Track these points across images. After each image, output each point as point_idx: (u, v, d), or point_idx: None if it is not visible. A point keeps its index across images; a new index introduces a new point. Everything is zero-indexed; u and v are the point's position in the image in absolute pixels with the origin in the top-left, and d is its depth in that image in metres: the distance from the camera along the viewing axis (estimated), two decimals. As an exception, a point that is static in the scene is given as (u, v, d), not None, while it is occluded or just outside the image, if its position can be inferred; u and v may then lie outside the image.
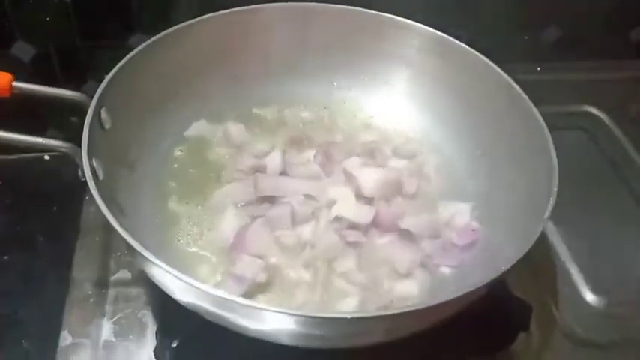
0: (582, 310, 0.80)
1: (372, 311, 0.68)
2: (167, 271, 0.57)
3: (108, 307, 0.76)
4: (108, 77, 0.74)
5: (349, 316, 0.57)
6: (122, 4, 0.96)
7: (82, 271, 0.80)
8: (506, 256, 0.65)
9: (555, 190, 0.67)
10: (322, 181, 0.82)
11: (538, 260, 0.83)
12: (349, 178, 0.81)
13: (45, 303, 0.77)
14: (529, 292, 0.76)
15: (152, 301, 0.76)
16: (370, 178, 0.80)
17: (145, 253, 0.58)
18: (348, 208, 0.78)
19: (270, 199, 0.79)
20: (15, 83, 0.71)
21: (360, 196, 0.79)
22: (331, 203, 0.79)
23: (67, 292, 0.78)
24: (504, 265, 0.61)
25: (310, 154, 0.85)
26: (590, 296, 0.82)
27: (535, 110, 0.76)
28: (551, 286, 0.82)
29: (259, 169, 0.82)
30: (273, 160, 0.82)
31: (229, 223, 0.77)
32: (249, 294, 0.70)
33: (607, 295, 0.82)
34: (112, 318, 0.75)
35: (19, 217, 0.87)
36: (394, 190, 0.81)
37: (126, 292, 0.78)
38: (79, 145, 0.67)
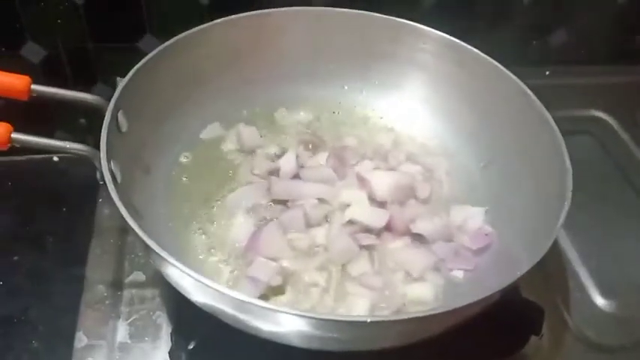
0: (593, 313, 0.81)
1: (389, 315, 0.69)
2: (185, 272, 0.57)
3: (123, 309, 0.76)
4: (125, 80, 0.74)
5: (368, 320, 0.57)
6: (132, 6, 0.96)
7: (96, 273, 0.80)
8: (519, 260, 0.66)
9: (570, 195, 0.67)
10: (335, 184, 0.82)
11: (549, 264, 0.84)
12: (362, 181, 0.82)
13: (55, 304, 0.77)
14: (541, 296, 0.76)
15: (167, 303, 0.77)
16: (383, 181, 0.80)
17: (164, 254, 0.58)
18: (362, 211, 0.78)
19: (284, 202, 0.80)
20: (34, 86, 0.71)
21: (372, 200, 0.80)
22: (344, 206, 0.79)
23: (79, 293, 0.78)
24: (519, 271, 0.61)
25: (322, 157, 0.86)
26: (600, 300, 0.82)
27: (549, 116, 0.76)
28: (562, 290, 0.82)
29: (273, 172, 0.83)
30: (288, 163, 0.83)
31: (243, 226, 0.77)
32: (263, 297, 0.70)
33: (617, 299, 0.82)
34: (127, 319, 0.75)
35: (29, 217, 0.87)
36: (407, 193, 0.81)
37: (141, 293, 0.78)
38: (94, 147, 0.68)
